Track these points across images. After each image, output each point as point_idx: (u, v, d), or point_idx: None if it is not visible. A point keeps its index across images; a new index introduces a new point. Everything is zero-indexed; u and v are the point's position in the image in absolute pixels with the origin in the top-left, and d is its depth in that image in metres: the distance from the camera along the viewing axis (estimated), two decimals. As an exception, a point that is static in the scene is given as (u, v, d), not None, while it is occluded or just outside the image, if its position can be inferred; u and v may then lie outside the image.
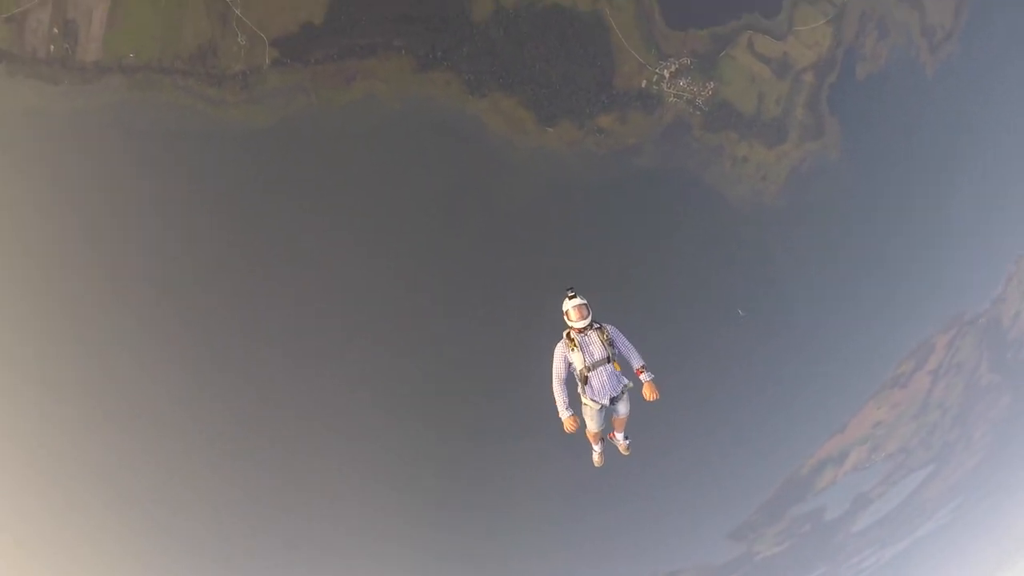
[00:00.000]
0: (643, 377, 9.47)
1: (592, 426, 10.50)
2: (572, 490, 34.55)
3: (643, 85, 30.96)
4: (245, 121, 28.44)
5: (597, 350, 9.66)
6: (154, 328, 29.67)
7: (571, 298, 9.79)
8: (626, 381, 9.93)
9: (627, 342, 9.83)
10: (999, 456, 44.31)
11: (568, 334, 9.81)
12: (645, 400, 9.47)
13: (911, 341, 36.93)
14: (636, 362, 9.74)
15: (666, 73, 30.91)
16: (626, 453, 11.84)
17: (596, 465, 11.88)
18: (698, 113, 31.55)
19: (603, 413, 10.30)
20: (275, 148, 28.78)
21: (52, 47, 26.45)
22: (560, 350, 9.73)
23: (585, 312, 9.67)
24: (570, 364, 9.71)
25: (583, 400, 10.02)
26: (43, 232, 27.51)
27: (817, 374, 34.88)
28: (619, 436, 11.32)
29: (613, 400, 9.91)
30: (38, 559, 33.31)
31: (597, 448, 11.52)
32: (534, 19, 29.67)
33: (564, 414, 9.46)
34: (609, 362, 9.61)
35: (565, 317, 9.82)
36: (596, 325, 9.81)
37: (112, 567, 35.00)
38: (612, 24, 30.26)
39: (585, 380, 9.71)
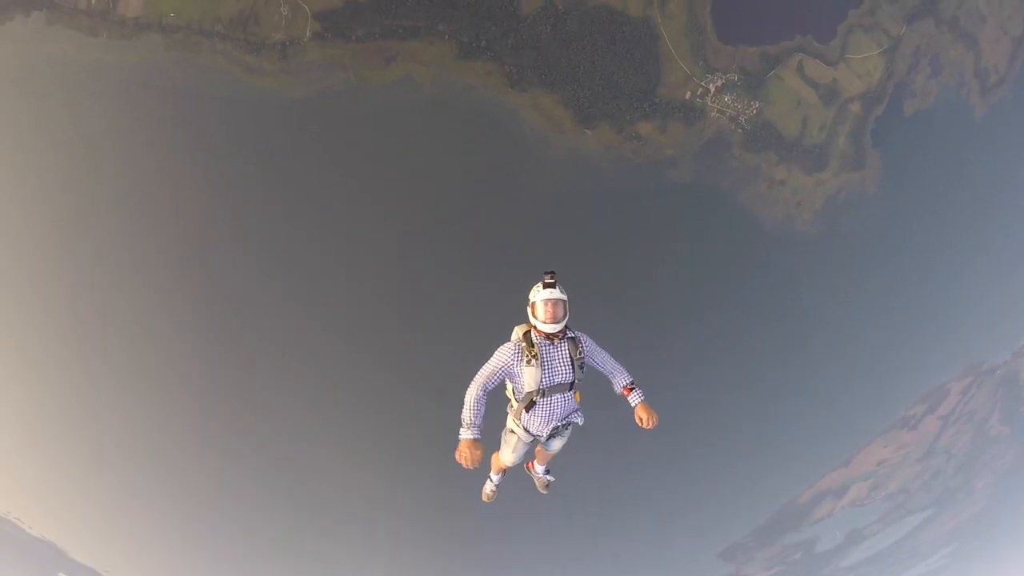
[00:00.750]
0: (634, 398, 7.23)
1: (509, 458, 8.19)
2: (562, 492, 34.48)
3: (687, 96, 30.66)
4: (280, 91, 28.36)
5: (563, 370, 7.19)
6: (176, 287, 29.60)
7: (548, 285, 7.16)
8: (580, 418, 7.76)
9: (607, 356, 7.53)
10: (999, 508, 44.35)
11: (527, 335, 7.20)
12: (642, 427, 7.09)
13: (926, 384, 36.78)
14: (622, 379, 7.35)
15: (712, 87, 30.61)
16: (544, 491, 9.47)
17: (485, 500, 9.22)
18: (740, 131, 31.26)
19: (531, 446, 8.06)
20: (308, 120, 28.64)
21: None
22: (505, 355, 7.09)
23: (561, 312, 7.08)
24: (508, 377, 7.22)
25: (510, 424, 7.69)
26: (66, 182, 27.36)
27: (828, 406, 34.85)
28: (539, 469, 9.13)
29: (552, 434, 7.69)
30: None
31: (496, 479, 9.04)
32: (583, 18, 29.37)
33: (466, 434, 6.66)
34: (571, 389, 7.32)
35: (530, 311, 7.17)
36: (570, 334, 7.32)
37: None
38: (662, 31, 29.94)
39: (530, 405, 7.26)
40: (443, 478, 31.27)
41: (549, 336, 7.20)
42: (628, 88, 30.36)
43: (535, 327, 7.19)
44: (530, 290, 7.24)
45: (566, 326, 7.27)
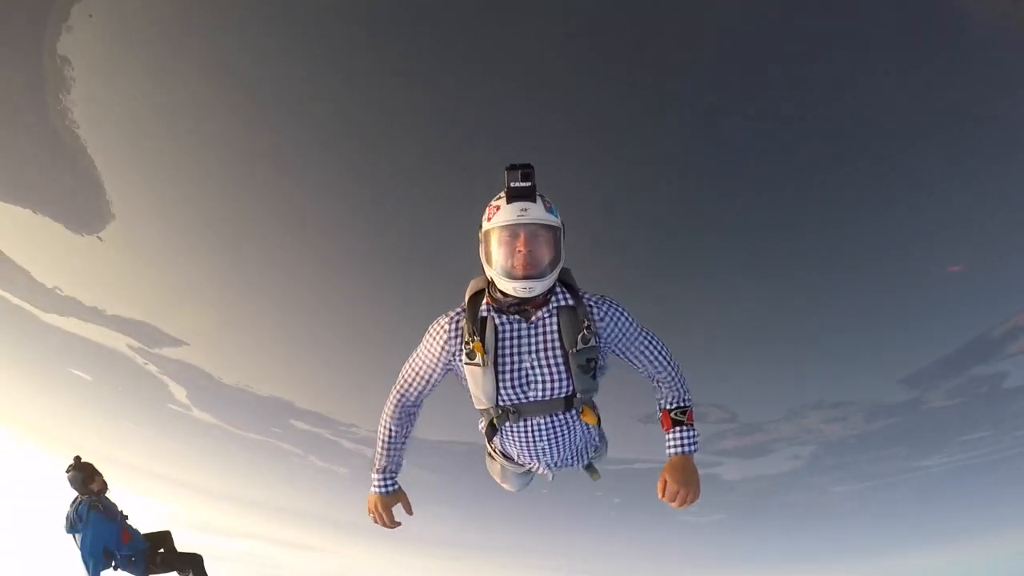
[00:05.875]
0: (674, 441, 4.11)
1: (505, 485, 5.24)
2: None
3: None
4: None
5: (547, 372, 3.81)
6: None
7: (518, 194, 3.56)
8: (597, 444, 4.74)
9: (654, 344, 4.13)
10: None
11: (473, 301, 3.92)
12: (663, 499, 3.86)
13: None
14: (670, 395, 4.24)
15: None
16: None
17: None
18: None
19: (532, 475, 4.94)
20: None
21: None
22: (436, 342, 3.99)
23: (545, 252, 3.61)
24: (454, 375, 4.24)
25: (489, 447, 4.63)
26: (203, 116, 28.45)
27: None
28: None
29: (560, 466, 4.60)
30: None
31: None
32: None
33: (374, 484, 4.36)
34: (571, 408, 3.98)
35: (482, 252, 3.78)
36: (564, 299, 3.83)
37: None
38: None
39: (492, 430, 4.20)
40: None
41: (518, 305, 3.80)
42: None
43: (492, 284, 3.82)
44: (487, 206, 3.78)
45: (561, 282, 3.89)
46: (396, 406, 4.32)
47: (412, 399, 4.32)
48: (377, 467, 4.42)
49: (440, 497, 48.11)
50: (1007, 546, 49.98)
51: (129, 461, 49.17)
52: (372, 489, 4.40)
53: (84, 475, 10.27)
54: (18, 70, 25.80)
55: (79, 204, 31.22)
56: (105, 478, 10.49)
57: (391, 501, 4.42)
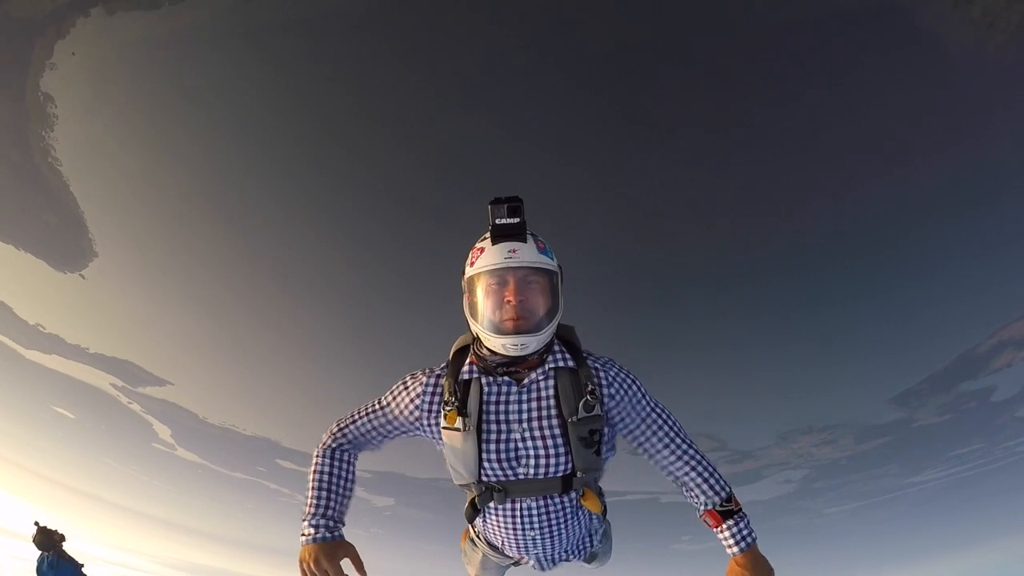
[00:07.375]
0: (731, 538, 3.41)
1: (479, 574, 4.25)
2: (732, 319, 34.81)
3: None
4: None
5: (539, 445, 3.17)
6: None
7: (504, 233, 3.05)
8: (597, 540, 3.89)
9: (672, 429, 3.46)
10: None
11: (457, 357, 3.41)
12: None
13: None
14: (706, 496, 3.43)
15: None
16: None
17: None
18: (921, -59, 25.35)
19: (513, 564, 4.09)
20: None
21: (142, -25, 25.48)
22: (408, 395, 3.45)
23: (541, 300, 3.13)
24: (393, 432, 3.61)
25: (472, 531, 3.94)
26: (184, 153, 28.15)
27: (1015, 252, 32.51)
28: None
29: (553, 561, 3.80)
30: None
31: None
32: None
33: (320, 533, 3.22)
34: (570, 490, 3.28)
35: (465, 302, 3.25)
36: (560, 358, 3.26)
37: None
38: None
39: (474, 511, 3.44)
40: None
41: (508, 365, 3.25)
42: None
43: (478, 340, 3.30)
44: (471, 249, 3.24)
45: (561, 339, 3.38)
46: (332, 441, 3.70)
47: (351, 438, 3.62)
48: (313, 508, 3.35)
49: (434, 535, 48.01)
50: (1003, 555, 50.52)
51: (112, 499, 48.60)
52: (308, 539, 3.23)
53: (45, 536, 12.32)
54: (1, 107, 25.87)
55: (62, 241, 31.04)
56: (62, 533, 12.55)
57: (337, 551, 3.20)
